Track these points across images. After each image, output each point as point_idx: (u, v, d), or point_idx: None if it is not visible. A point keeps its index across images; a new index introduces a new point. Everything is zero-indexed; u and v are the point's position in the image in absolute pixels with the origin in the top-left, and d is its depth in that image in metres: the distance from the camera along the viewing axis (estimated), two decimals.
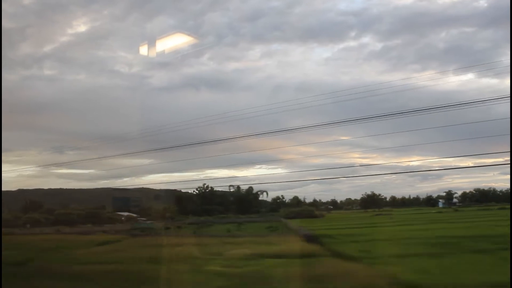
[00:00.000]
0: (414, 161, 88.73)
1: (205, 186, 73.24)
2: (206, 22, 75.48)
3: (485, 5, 73.40)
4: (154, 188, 71.25)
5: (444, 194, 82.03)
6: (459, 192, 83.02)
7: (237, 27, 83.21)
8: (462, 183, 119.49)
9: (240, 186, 74.97)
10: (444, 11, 73.34)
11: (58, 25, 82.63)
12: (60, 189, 67.74)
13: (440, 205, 79.05)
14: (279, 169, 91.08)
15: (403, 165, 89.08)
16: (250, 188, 74.62)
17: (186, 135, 34.13)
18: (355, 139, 58.41)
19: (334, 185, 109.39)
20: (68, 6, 76.95)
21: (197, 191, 74.17)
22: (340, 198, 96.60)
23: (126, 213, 62.72)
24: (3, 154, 40.65)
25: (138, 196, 71.91)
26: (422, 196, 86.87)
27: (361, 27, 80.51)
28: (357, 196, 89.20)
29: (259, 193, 75.57)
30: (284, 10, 79.53)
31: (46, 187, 73.63)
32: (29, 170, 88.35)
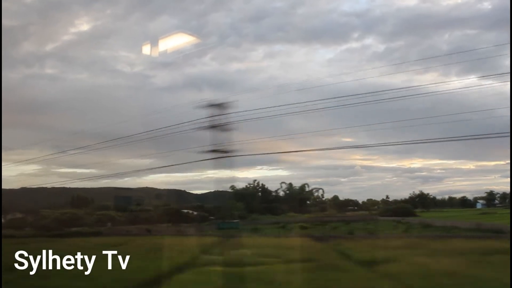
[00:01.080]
0: (415, 163, 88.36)
1: (256, 183, 68.93)
2: (209, 22, 75.71)
3: (489, 7, 73.26)
4: (158, 188, 71.49)
5: (485, 194, 78.69)
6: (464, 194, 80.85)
7: (240, 27, 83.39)
8: (463, 186, 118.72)
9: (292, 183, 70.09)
10: (447, 13, 73.31)
11: (61, 24, 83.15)
12: (64, 187, 67.78)
13: (479, 206, 75.70)
14: (280, 170, 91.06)
15: (405, 167, 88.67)
16: (304, 185, 70.38)
17: (187, 136, 34.07)
18: (357, 140, 58.30)
19: (335, 186, 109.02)
20: (70, 5, 77.37)
21: (247, 189, 69.39)
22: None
23: (190, 211, 60.40)
24: (3, 152, 40.79)
25: (141, 196, 71.97)
26: (438, 196, 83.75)
27: (364, 29, 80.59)
28: (358, 197, 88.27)
29: (314, 190, 72.03)
30: (287, 10, 79.71)
31: (49, 186, 73.77)
32: (30, 169, 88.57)
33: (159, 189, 71.42)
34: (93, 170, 75.51)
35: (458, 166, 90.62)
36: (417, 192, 76.64)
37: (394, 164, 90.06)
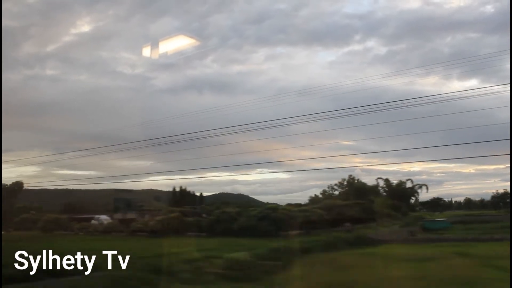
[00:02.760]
0: (415, 167, 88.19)
1: (352, 178, 62.17)
2: (210, 24, 75.75)
3: (492, 10, 73.28)
4: (161, 190, 71.26)
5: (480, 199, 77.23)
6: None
7: (241, 29, 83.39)
8: (462, 190, 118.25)
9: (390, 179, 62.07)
10: (450, 16, 73.30)
11: (62, 25, 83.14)
12: (66, 189, 67.71)
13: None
14: (280, 173, 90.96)
15: (405, 170, 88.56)
16: (402, 182, 62.31)
17: (188, 137, 34.15)
18: (357, 143, 58.25)
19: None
20: (72, 5, 77.39)
21: (341, 185, 63.13)
22: None
23: None
24: (4, 154, 40.84)
25: (144, 197, 71.73)
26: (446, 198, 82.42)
27: (366, 31, 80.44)
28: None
29: (416, 187, 64.24)
30: (289, 12, 79.58)
31: (52, 187, 73.72)
32: (30, 170, 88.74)
33: (165, 191, 71.25)
34: (92, 172, 75.36)
35: (458, 170, 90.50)
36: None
37: (394, 167, 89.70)
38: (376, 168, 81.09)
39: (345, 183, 63.22)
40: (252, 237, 31.88)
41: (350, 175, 62.98)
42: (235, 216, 38.72)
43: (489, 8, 73.32)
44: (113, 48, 79.89)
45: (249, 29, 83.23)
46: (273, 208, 40.29)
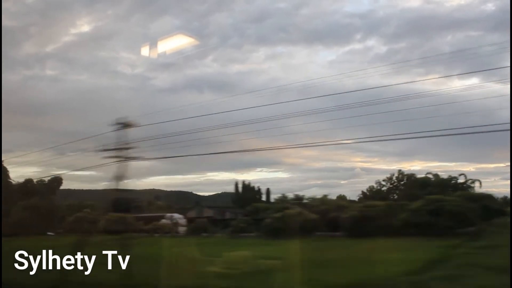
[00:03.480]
0: (415, 165, 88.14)
1: (402, 173, 57.83)
2: (211, 23, 75.73)
3: (493, 8, 73.13)
4: (165, 189, 71.02)
5: None
6: None
7: (242, 28, 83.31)
8: None
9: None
10: (450, 14, 73.09)
11: (62, 25, 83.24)
12: (69, 189, 67.50)
13: None
14: (280, 172, 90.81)
15: (405, 169, 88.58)
16: (453, 177, 54.31)
17: (188, 137, 33.97)
18: (357, 143, 57.99)
19: (335, 189, 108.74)
20: (72, 5, 77.41)
21: (389, 180, 59.51)
22: None
23: None
24: (3, 155, 40.56)
25: (146, 197, 71.36)
26: None
27: (367, 30, 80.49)
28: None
29: (470, 182, 59.75)
30: (290, 11, 79.55)
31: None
32: (30, 171, 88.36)
33: (167, 191, 71.08)
34: (93, 173, 75.20)
35: (459, 169, 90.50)
36: None
37: (394, 166, 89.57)
38: (376, 167, 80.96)
39: (394, 178, 59.56)
40: (418, 236, 26.24)
41: (399, 170, 59.56)
42: (389, 211, 32.24)
43: (490, 6, 73.17)
44: (113, 48, 79.91)
45: (249, 28, 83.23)
46: (441, 199, 31.93)
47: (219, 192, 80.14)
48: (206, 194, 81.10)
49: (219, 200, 70.75)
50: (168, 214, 45.34)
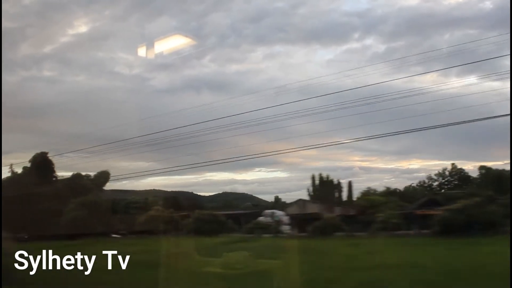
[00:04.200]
0: (414, 164, 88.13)
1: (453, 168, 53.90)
2: (208, 23, 75.60)
3: (491, 6, 73.22)
4: (165, 190, 70.65)
5: None
6: None
7: (239, 28, 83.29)
8: None
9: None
10: (448, 13, 73.26)
11: (59, 26, 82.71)
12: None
13: None
14: (279, 172, 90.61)
15: (403, 168, 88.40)
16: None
17: (187, 138, 33.95)
18: (356, 142, 57.92)
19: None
20: (69, 5, 77.28)
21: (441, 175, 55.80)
22: None
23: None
24: (3, 156, 40.20)
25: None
26: None
27: (365, 29, 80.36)
28: None
29: None
30: (288, 11, 79.57)
31: None
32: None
33: (167, 191, 70.66)
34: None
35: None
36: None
37: (392, 165, 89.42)
38: (375, 166, 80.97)
39: (446, 172, 55.72)
40: None
41: (453, 164, 54.52)
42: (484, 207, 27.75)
43: (488, 4, 73.19)
44: (111, 48, 79.76)
45: (247, 28, 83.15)
46: None
47: (219, 192, 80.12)
48: (206, 194, 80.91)
49: (219, 200, 70.59)
50: (268, 211, 40.17)
